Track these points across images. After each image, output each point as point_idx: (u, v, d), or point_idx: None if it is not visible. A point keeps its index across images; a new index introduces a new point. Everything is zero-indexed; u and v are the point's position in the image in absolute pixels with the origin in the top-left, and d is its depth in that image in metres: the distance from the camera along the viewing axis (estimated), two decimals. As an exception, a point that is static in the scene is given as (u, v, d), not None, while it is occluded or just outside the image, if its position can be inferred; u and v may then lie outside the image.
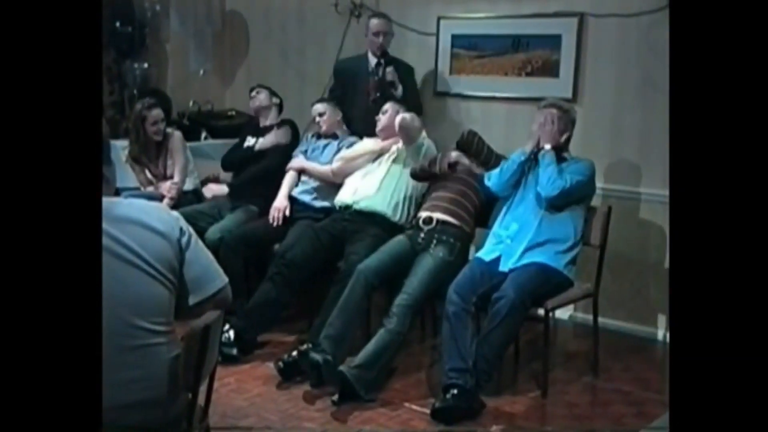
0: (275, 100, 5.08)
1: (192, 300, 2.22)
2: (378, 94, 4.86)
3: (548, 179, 3.81)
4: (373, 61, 5.00)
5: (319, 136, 4.88)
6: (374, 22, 5.00)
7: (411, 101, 4.83)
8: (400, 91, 4.87)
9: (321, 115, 4.82)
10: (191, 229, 2.23)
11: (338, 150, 4.72)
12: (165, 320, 2.13)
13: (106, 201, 2.07)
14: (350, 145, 4.72)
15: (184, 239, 2.17)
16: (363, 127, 4.85)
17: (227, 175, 5.23)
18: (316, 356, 3.70)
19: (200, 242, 2.25)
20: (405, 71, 4.99)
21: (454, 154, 4.32)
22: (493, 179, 4.06)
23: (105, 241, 2.00)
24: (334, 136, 4.82)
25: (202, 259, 2.24)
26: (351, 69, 5.10)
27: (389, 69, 4.87)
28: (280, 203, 4.63)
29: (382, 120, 4.55)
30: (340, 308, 3.84)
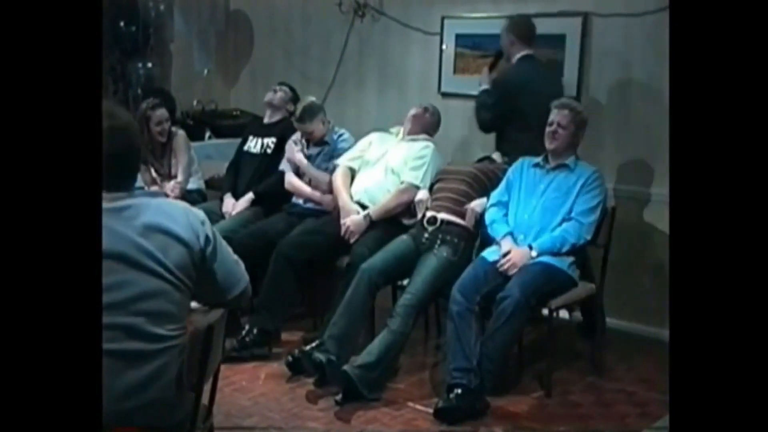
0: (290, 107, 5.01)
1: (212, 301, 2.28)
2: None
3: (573, 242, 3.81)
4: None
5: (309, 143, 4.77)
6: None
7: None
8: None
9: (309, 133, 4.68)
10: (216, 234, 2.21)
11: (332, 154, 4.67)
12: (179, 326, 2.14)
13: (130, 206, 2.08)
14: (345, 147, 4.68)
15: (209, 249, 2.17)
16: None
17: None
18: (320, 356, 3.71)
19: (224, 245, 2.25)
20: None
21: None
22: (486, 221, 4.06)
23: (128, 248, 2.02)
24: (325, 143, 4.74)
25: (224, 267, 2.24)
26: None
27: None
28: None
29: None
30: (344, 308, 3.84)
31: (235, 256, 2.31)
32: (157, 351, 2.07)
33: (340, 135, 4.77)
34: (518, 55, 4.49)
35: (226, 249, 2.25)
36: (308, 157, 4.72)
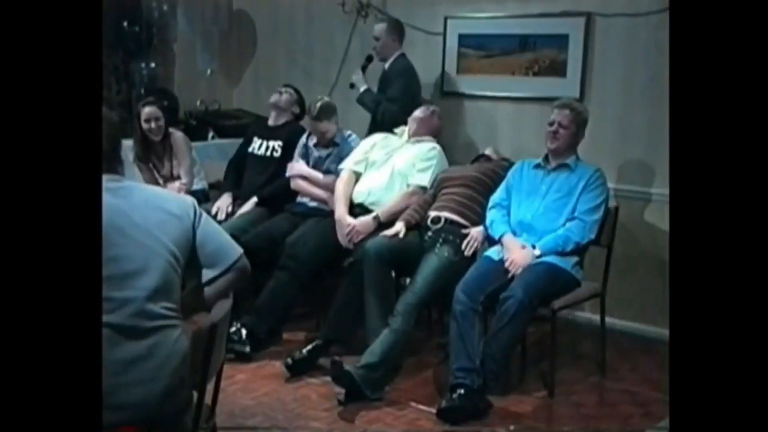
0: (295, 109, 5.03)
1: (212, 273, 2.30)
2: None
3: (577, 241, 3.81)
4: None
5: (317, 144, 4.77)
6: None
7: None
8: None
9: (322, 132, 4.69)
10: (201, 209, 2.32)
11: (342, 155, 4.66)
12: (173, 305, 2.17)
13: (125, 186, 2.20)
14: (354, 148, 4.68)
15: (196, 219, 2.27)
16: None
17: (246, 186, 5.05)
18: (350, 369, 3.66)
19: (210, 220, 2.36)
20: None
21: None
22: (487, 222, 4.06)
23: (126, 223, 2.11)
24: (334, 144, 4.75)
25: (215, 235, 2.34)
26: None
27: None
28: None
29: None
30: (366, 294, 3.87)
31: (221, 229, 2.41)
32: (152, 328, 2.09)
33: (349, 136, 4.77)
34: (397, 53, 4.98)
35: (212, 221, 2.37)
36: (317, 159, 4.72)
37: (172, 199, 2.29)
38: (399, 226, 4.12)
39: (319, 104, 4.65)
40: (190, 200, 2.32)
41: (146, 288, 2.09)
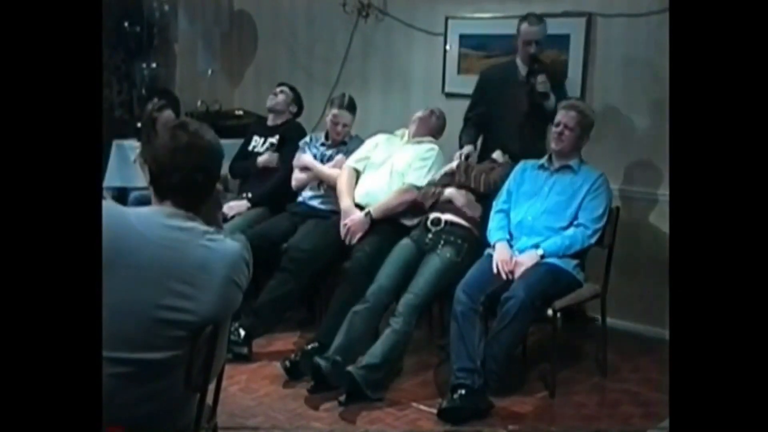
0: (292, 108, 5.05)
1: None
2: (528, 107, 4.40)
3: (579, 248, 3.83)
4: (523, 69, 4.46)
5: (326, 143, 4.78)
6: (526, 28, 4.40)
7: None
8: (552, 102, 4.25)
9: (344, 125, 4.71)
10: (249, 271, 2.29)
11: (348, 154, 4.66)
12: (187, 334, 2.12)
13: (195, 227, 2.13)
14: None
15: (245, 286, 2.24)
16: (517, 145, 4.41)
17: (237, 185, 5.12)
18: (320, 361, 3.68)
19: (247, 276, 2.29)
20: (553, 79, 4.38)
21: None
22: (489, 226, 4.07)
23: (174, 266, 2.06)
24: (343, 143, 4.77)
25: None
26: (499, 78, 4.58)
27: (541, 78, 4.28)
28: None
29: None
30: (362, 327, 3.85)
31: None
32: (162, 359, 2.07)
33: (356, 137, 4.79)
34: None
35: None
36: (324, 158, 4.72)
37: (226, 273, 2.17)
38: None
39: (347, 96, 4.71)
40: (246, 274, 2.27)
41: (163, 322, 2.05)
